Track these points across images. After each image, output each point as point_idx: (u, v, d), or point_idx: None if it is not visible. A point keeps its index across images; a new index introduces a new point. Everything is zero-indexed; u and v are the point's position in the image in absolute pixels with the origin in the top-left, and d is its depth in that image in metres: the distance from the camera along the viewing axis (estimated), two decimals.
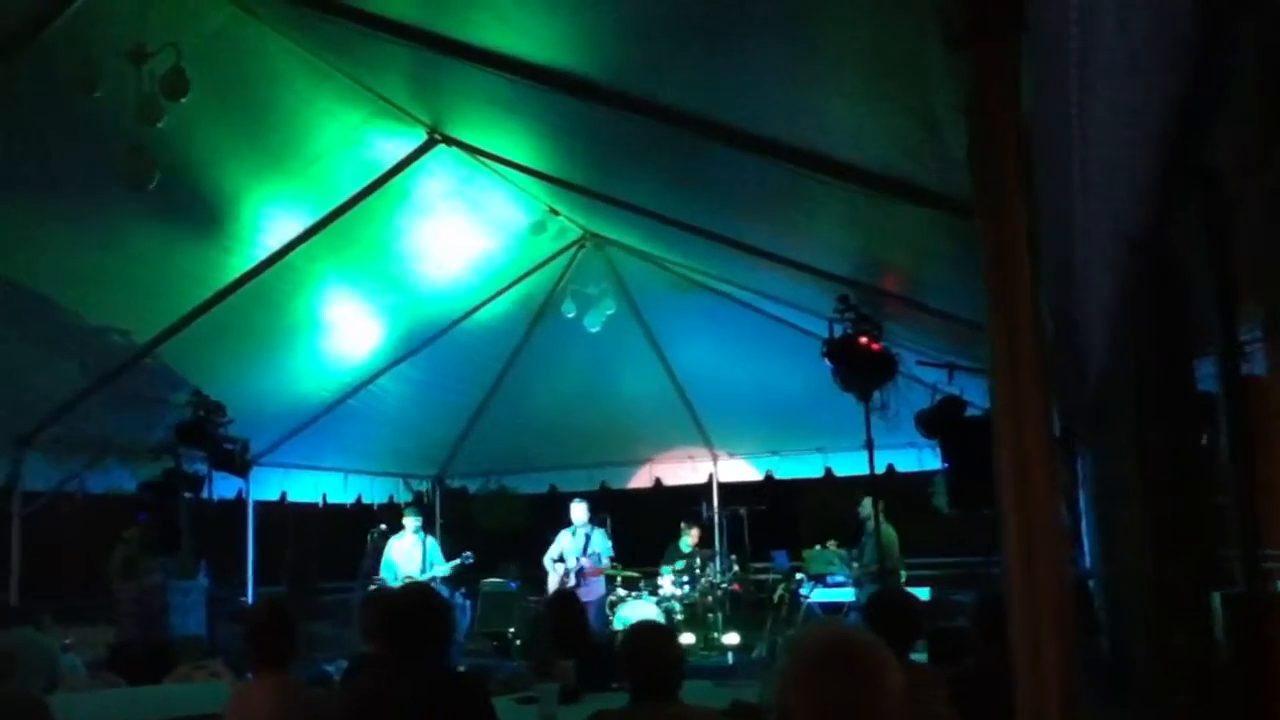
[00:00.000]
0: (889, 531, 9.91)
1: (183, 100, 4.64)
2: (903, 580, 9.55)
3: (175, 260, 7.02)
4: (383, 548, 10.44)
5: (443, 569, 10.22)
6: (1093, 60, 2.06)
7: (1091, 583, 7.60)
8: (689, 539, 10.76)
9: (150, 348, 7.67)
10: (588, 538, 10.16)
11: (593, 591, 10.03)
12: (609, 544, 10.35)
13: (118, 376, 7.79)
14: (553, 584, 10.07)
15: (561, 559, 10.20)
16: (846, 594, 9.99)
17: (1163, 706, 3.57)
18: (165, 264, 7.00)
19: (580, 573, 10.04)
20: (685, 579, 10.38)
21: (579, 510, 10.30)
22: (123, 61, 4.64)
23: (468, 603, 10.91)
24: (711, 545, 11.50)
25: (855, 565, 10.01)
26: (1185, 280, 2.92)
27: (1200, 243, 2.50)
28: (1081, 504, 8.32)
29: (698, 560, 10.57)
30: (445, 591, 10.08)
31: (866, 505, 9.95)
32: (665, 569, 10.58)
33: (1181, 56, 1.98)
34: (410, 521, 10.37)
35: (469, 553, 10.44)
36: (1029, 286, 1.77)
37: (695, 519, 11.21)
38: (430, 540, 10.43)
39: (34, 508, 8.34)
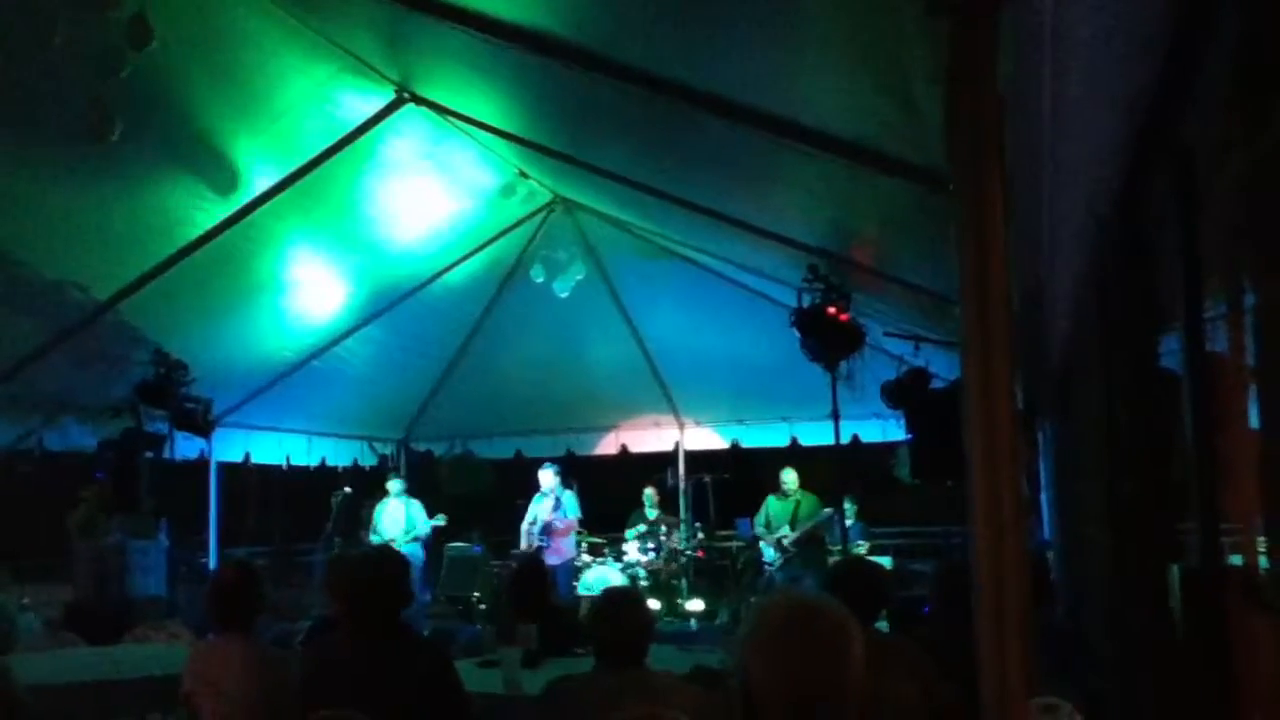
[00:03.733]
0: (809, 499, 9.97)
1: (146, 50, 4.53)
2: (834, 553, 9.49)
3: (137, 215, 6.87)
4: (352, 511, 10.53)
5: (423, 529, 10.51)
6: (1068, 33, 2.05)
7: (1050, 554, 7.72)
8: (651, 501, 10.83)
9: (111, 304, 7.53)
10: (558, 500, 10.21)
11: (562, 554, 10.06)
12: (577, 506, 10.40)
13: (77, 333, 7.65)
14: (524, 548, 10.15)
15: (535, 521, 10.26)
16: None
17: (1120, 677, 3.64)
18: (127, 219, 6.84)
19: (548, 529, 10.07)
20: (650, 545, 10.46)
21: (546, 476, 10.32)
22: (84, 8, 4.51)
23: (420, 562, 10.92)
24: (674, 508, 11.56)
25: (778, 525, 10.02)
26: (1153, 256, 2.94)
27: (1169, 219, 2.51)
28: (1042, 476, 8.44)
29: (662, 527, 10.63)
30: (419, 554, 10.25)
31: (787, 474, 10.02)
32: (630, 533, 10.65)
33: (1158, 33, 1.98)
34: (394, 485, 10.75)
35: (441, 515, 10.65)
36: (1003, 259, 1.77)
37: (658, 482, 11.26)
38: (414, 503, 10.70)
39: None
